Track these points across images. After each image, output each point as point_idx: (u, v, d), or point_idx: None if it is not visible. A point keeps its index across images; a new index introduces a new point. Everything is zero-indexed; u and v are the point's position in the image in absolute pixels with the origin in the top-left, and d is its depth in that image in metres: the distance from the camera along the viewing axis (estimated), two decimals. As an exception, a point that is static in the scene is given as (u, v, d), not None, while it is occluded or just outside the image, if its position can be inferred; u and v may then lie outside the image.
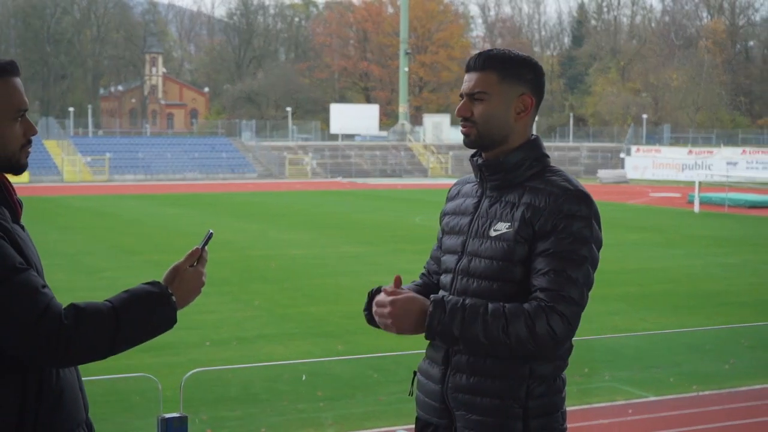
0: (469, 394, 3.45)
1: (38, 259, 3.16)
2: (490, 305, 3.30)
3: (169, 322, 3.12)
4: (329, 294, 18.83)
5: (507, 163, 3.51)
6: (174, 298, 3.14)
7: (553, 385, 3.47)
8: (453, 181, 4.25)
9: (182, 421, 4.73)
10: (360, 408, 11.49)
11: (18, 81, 3.14)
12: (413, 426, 3.76)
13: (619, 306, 17.38)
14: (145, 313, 3.06)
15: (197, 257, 3.25)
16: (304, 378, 12.28)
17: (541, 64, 3.60)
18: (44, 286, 2.97)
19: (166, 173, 73.83)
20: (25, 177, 62.32)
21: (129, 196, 51.18)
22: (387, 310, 3.37)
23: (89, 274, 21.09)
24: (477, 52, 3.62)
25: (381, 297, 3.42)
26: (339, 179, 74.03)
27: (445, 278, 3.61)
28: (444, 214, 3.75)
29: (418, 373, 3.72)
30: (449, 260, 3.61)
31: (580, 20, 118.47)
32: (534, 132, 3.65)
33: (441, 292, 3.57)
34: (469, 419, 3.46)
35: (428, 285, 3.79)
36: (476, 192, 3.62)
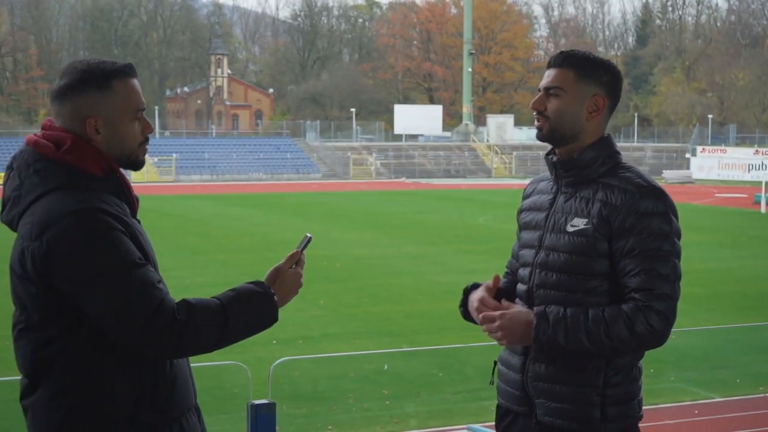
0: (548, 383, 3.60)
1: (154, 254, 3.31)
2: (590, 311, 3.47)
3: (271, 319, 3.31)
4: (393, 294, 18.89)
5: (580, 161, 3.64)
6: (275, 297, 3.30)
7: (630, 374, 3.62)
8: (517, 181, 4.32)
9: (270, 407, 4.85)
10: (426, 406, 11.55)
11: (135, 82, 3.29)
12: (482, 423, 3.85)
13: (684, 306, 17.13)
14: (250, 311, 3.22)
15: (297, 260, 3.41)
16: (386, 367, 12.37)
17: (619, 69, 3.76)
18: (160, 281, 3.12)
19: (231, 173, 74.32)
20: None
21: (195, 197, 51.62)
22: (495, 324, 3.56)
23: (156, 274, 21.29)
24: (560, 51, 3.76)
25: (490, 313, 3.59)
26: (403, 179, 74.08)
27: (523, 271, 3.76)
28: (521, 211, 3.89)
29: (498, 363, 3.85)
30: (527, 254, 3.75)
31: (645, 20, 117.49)
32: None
33: (519, 286, 3.76)
34: (548, 407, 3.61)
35: (514, 284, 3.90)
36: (551, 189, 3.75)
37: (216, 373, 11.25)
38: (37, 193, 3.13)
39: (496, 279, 3.72)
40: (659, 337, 3.46)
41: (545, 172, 3.85)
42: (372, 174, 77.24)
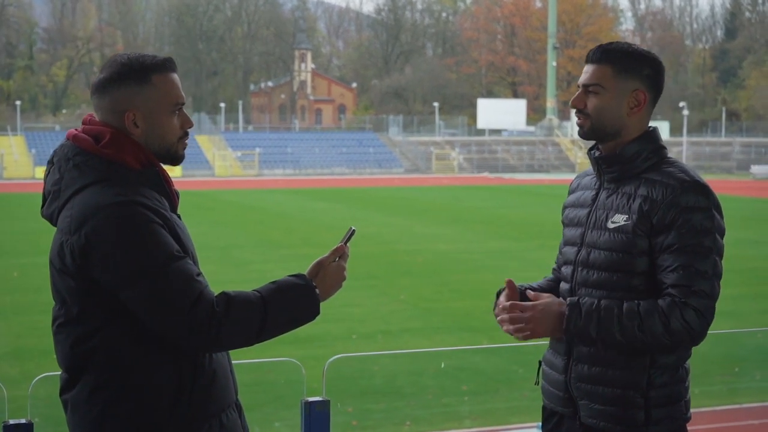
0: (591, 384, 3.52)
1: (194, 248, 3.30)
2: (624, 305, 3.38)
3: (312, 313, 3.24)
4: (475, 289, 18.79)
5: (623, 155, 3.54)
6: (317, 290, 3.26)
7: (676, 375, 3.51)
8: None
9: (324, 405, 4.81)
10: (505, 403, 11.46)
11: (175, 76, 3.30)
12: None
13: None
14: (291, 304, 3.19)
15: (341, 253, 3.37)
16: (443, 365, 12.31)
17: (660, 60, 3.62)
18: (199, 274, 3.11)
19: (314, 168, 74.76)
20: (177, 171, 63.82)
21: (278, 191, 51.95)
22: (527, 314, 3.46)
23: (238, 267, 21.47)
24: (597, 45, 3.66)
25: (520, 309, 3.49)
26: (485, 174, 73.88)
27: (566, 269, 3.68)
28: (565, 207, 3.83)
29: (543, 363, 3.79)
30: (569, 252, 3.67)
31: (734, 12, 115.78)
32: (652, 125, 3.66)
33: (562, 284, 3.69)
34: (592, 408, 3.53)
35: (560, 280, 3.82)
36: (594, 184, 3.67)
37: (295, 368, 11.22)
38: (76, 186, 3.15)
39: (509, 284, 3.59)
40: (695, 336, 3.35)
41: (591, 167, 3.75)
42: (454, 169, 77.17)
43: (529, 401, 11.25)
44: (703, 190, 3.41)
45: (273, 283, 3.21)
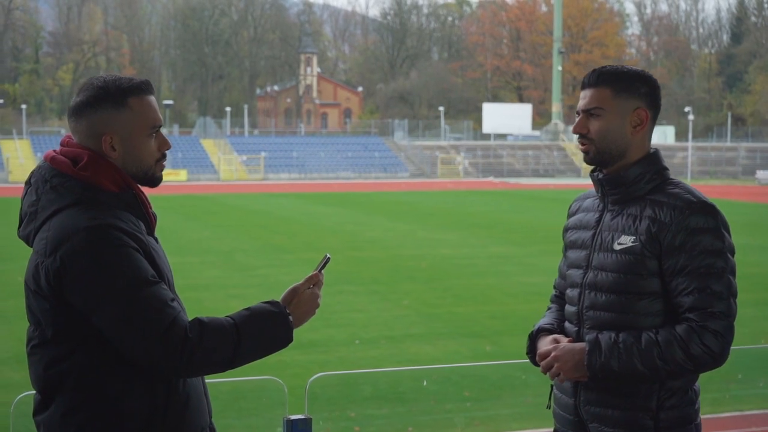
0: (600, 407, 3.53)
1: (170, 272, 3.29)
2: (642, 335, 3.39)
3: (285, 340, 3.24)
4: (478, 294, 18.77)
5: (627, 178, 3.55)
6: (291, 318, 3.25)
7: (685, 397, 3.50)
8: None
9: (306, 423, 4.81)
10: (507, 409, 11.42)
11: (152, 99, 3.28)
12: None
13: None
14: (265, 331, 3.19)
15: (315, 281, 3.37)
16: (425, 383, 12.27)
17: (655, 78, 3.64)
18: (173, 299, 3.10)
19: (319, 172, 74.79)
20: (183, 175, 63.91)
21: (283, 195, 51.95)
22: (551, 355, 3.54)
23: (242, 271, 21.44)
24: (592, 70, 3.66)
25: (543, 349, 3.60)
26: (491, 179, 73.85)
27: (572, 292, 3.67)
28: (566, 229, 3.80)
29: (554, 387, 3.78)
30: (575, 274, 3.66)
31: (740, 17, 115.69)
32: (653, 143, 3.68)
33: (568, 307, 3.69)
34: (602, 431, 3.53)
35: (563, 306, 3.83)
36: (597, 206, 3.67)
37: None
38: (53, 209, 3.15)
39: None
40: (717, 358, 3.36)
41: (591, 189, 3.76)
42: (460, 173, 77.16)
43: (531, 407, 11.22)
44: (711, 210, 3.41)
45: (246, 309, 3.20)
